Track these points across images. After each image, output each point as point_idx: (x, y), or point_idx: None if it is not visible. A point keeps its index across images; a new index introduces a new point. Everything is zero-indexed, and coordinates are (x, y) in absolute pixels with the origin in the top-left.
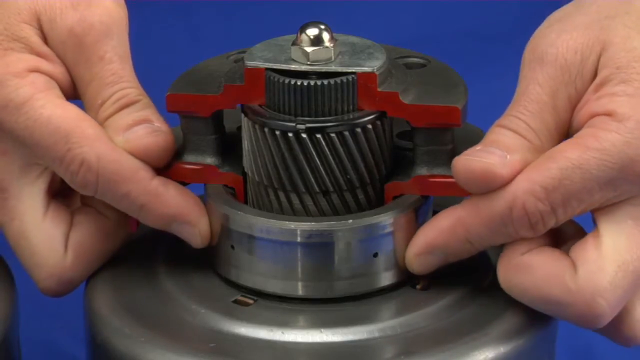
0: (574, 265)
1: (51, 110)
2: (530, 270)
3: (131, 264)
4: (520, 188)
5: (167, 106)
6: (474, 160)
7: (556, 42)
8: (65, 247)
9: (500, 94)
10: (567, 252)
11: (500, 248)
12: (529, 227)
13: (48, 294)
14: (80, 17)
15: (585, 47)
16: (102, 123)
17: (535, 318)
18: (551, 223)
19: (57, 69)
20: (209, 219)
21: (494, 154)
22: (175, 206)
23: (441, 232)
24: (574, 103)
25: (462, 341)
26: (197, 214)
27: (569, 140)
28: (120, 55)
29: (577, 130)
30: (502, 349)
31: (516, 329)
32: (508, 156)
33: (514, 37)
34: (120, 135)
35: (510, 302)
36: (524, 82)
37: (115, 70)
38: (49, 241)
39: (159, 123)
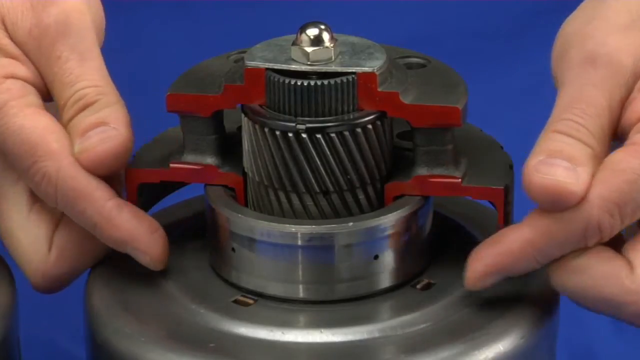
0: (630, 265)
1: (22, 120)
2: (587, 271)
3: (131, 263)
4: (595, 207)
5: (167, 106)
6: (545, 178)
7: (607, 42)
8: (50, 245)
9: (500, 94)
10: (621, 252)
11: None
12: (599, 239)
13: (38, 290)
14: (37, 19)
15: (635, 48)
16: (66, 126)
17: (536, 318)
18: (617, 231)
19: (32, 72)
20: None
21: (562, 168)
22: (126, 231)
23: (510, 255)
24: (624, 104)
25: (462, 341)
26: (147, 241)
27: (627, 149)
28: (79, 53)
29: (625, 129)
30: (502, 349)
31: (516, 328)
32: (578, 169)
33: (514, 36)
34: (77, 141)
35: (510, 302)
36: (577, 83)
37: (72, 70)
38: (32, 240)
39: (115, 124)
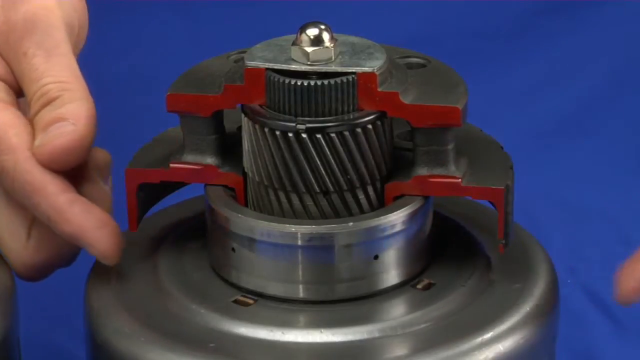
0: None
1: None
2: None
3: (131, 263)
4: None
5: (167, 106)
6: None
7: None
8: (29, 234)
9: (500, 94)
10: None
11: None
12: None
13: (22, 278)
14: (5, 17)
15: None
16: (32, 121)
17: (536, 318)
18: None
19: (2, 68)
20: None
21: None
22: (76, 225)
23: None
24: None
25: (462, 341)
26: (95, 236)
27: None
28: (45, 49)
29: None
30: (502, 349)
31: (516, 328)
32: None
33: (514, 36)
34: (38, 136)
35: (510, 302)
36: None
37: (37, 66)
38: (12, 229)
39: (74, 119)
